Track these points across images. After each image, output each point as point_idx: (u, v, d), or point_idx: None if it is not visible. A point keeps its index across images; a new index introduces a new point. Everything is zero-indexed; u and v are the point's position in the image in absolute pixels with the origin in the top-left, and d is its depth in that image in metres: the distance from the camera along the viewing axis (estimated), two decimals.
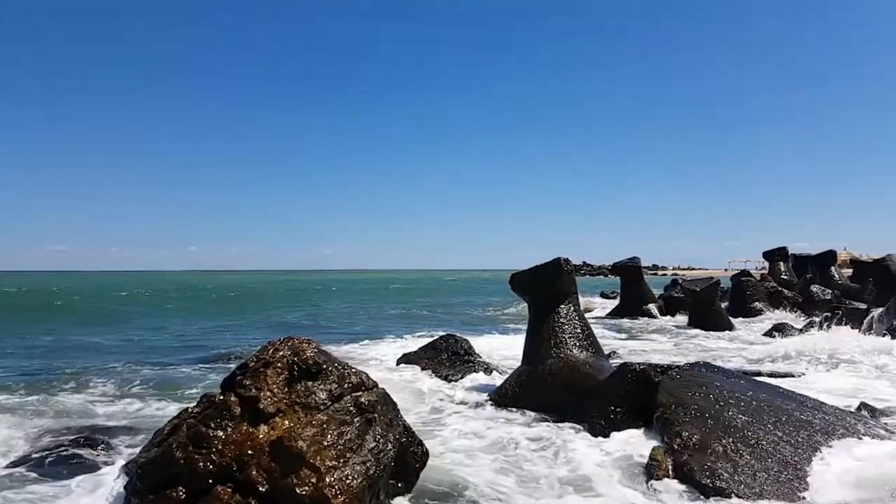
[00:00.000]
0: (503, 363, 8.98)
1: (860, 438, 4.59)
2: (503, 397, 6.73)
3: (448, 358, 8.58)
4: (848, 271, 22.39)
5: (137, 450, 4.19)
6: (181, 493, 3.00)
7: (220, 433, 3.07)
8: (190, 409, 3.37)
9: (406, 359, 8.97)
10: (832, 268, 20.40)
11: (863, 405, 6.13)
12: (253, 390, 3.11)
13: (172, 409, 6.40)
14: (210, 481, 2.99)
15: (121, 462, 4.30)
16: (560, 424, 5.79)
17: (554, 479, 4.28)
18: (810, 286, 17.25)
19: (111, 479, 3.89)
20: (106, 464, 4.72)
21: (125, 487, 3.28)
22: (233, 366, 4.71)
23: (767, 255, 22.67)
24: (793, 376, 7.81)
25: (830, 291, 16.75)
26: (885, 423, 5.26)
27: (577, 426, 5.65)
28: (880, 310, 11.55)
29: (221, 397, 3.21)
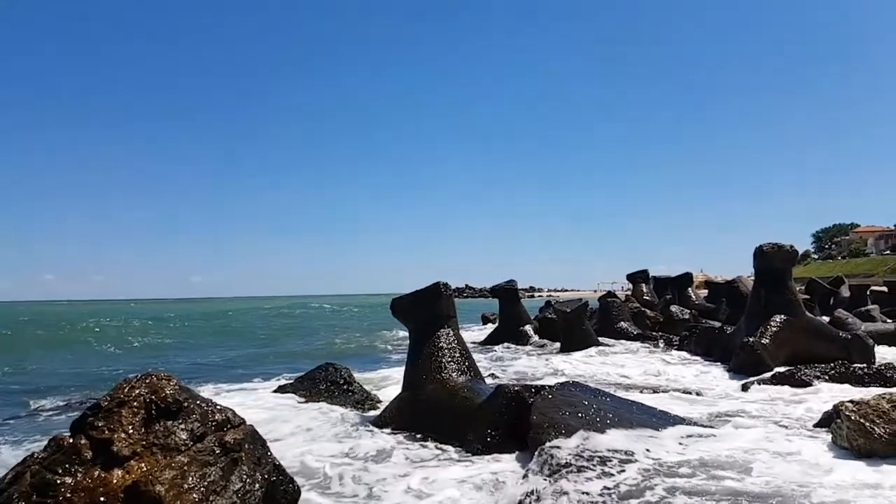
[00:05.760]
0: (384, 392, 8.91)
1: None
2: (383, 425, 6.68)
3: (327, 388, 8.39)
4: (703, 292, 24.24)
5: None
6: None
7: (69, 479, 2.82)
8: (35, 455, 3.07)
9: (282, 391, 8.67)
10: (689, 289, 21.90)
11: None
12: (106, 432, 2.88)
13: (16, 456, 5.77)
14: None
15: None
16: (437, 448, 5.83)
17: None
18: (670, 306, 18.49)
19: None
20: None
21: None
22: (84, 408, 4.34)
23: (631, 277, 23.95)
24: (655, 392, 8.34)
25: (688, 311, 18.04)
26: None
27: (454, 450, 5.72)
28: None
29: (71, 440, 2.96)
